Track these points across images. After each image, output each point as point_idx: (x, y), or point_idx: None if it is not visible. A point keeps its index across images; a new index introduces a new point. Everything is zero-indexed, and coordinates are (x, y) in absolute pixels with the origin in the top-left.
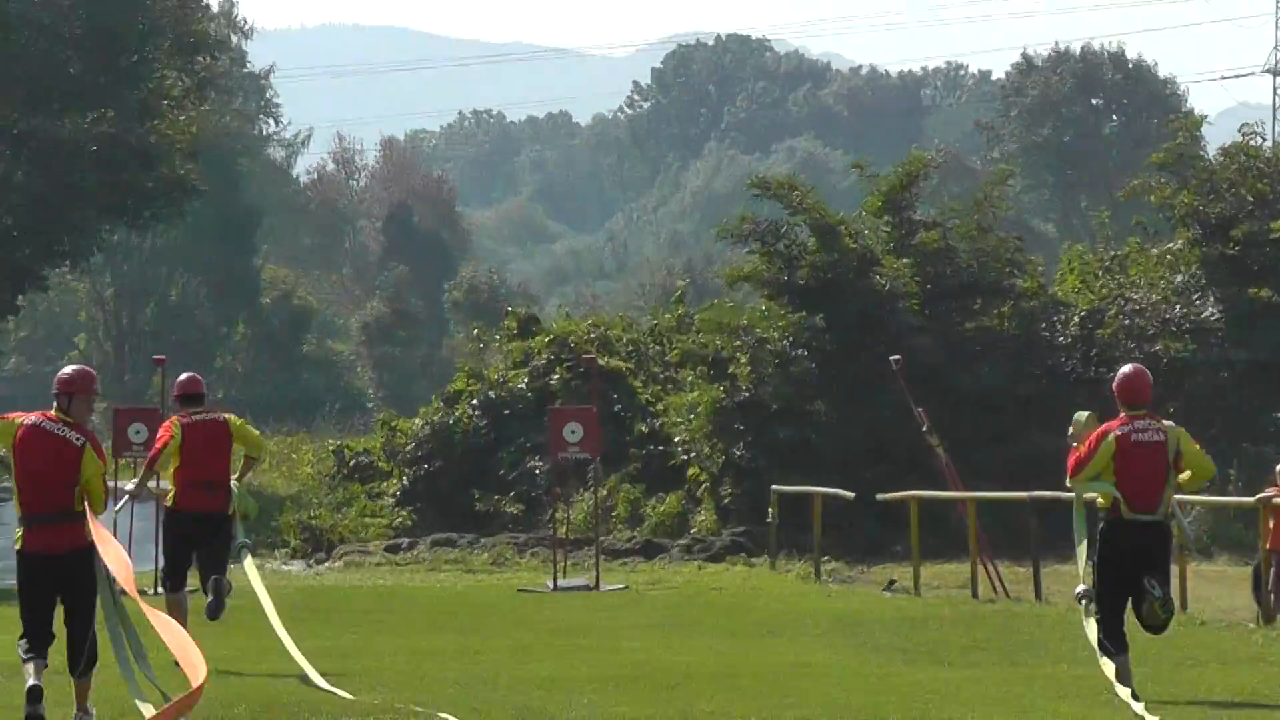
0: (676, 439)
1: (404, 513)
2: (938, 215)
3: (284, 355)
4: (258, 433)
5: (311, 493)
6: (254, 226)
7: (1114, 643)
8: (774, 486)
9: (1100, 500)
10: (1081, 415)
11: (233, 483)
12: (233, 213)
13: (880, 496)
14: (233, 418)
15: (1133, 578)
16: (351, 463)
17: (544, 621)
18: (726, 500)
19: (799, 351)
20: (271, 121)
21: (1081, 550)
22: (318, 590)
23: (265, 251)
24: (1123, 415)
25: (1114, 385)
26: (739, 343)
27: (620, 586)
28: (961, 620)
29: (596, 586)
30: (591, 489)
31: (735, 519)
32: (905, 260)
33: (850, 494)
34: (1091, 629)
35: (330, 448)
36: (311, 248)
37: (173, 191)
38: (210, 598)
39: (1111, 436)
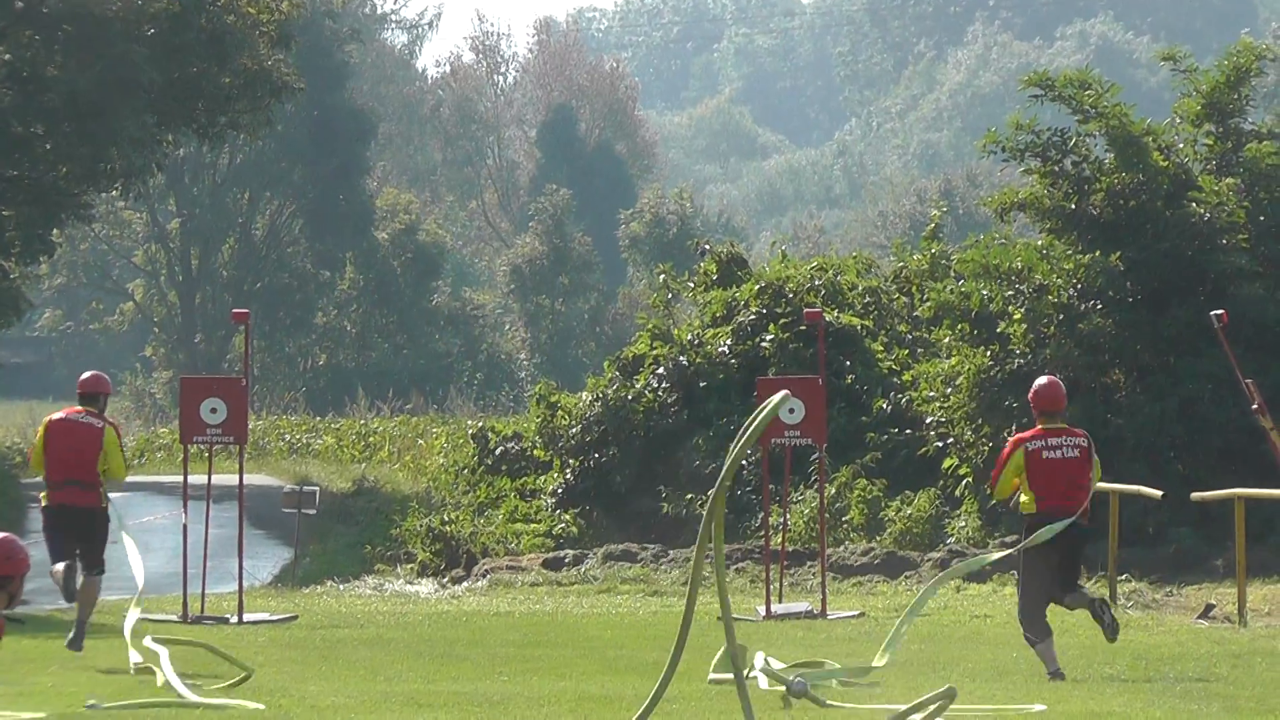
0: (929, 420)
1: (567, 517)
2: (1275, 123)
3: (407, 309)
4: (122, 459)
5: (445, 490)
6: (366, 137)
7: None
8: None
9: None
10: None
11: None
12: (337, 119)
13: (1196, 496)
14: (111, 431)
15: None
16: (498, 451)
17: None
18: (994, 501)
19: (1090, 304)
20: None
21: None
22: (455, 618)
23: (381, 170)
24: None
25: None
26: (1012, 292)
27: (854, 613)
28: None
29: (823, 613)
30: (816, 486)
31: (1006, 525)
32: (1231, 182)
33: (1157, 492)
34: None
35: (469, 431)
36: (443, 165)
37: (256, 90)
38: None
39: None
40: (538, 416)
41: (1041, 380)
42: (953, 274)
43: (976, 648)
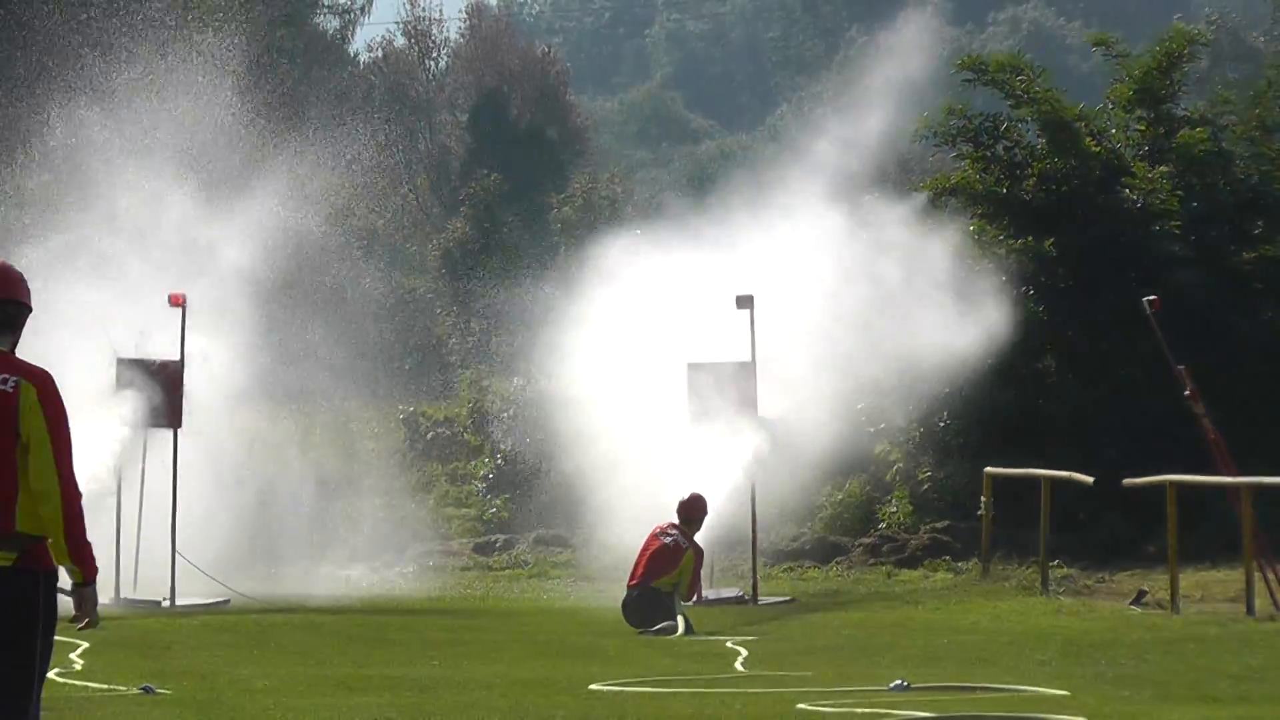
0: (859, 405)
1: (498, 501)
2: (1207, 109)
3: (336, 293)
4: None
5: (375, 475)
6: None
7: None
8: (988, 469)
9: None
10: None
11: None
12: None
13: (1128, 482)
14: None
15: None
16: (429, 436)
17: (683, 644)
18: (925, 486)
19: (1022, 289)
20: None
21: None
22: (386, 602)
23: (313, 156)
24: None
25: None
26: (942, 277)
27: (784, 599)
28: (1232, 642)
29: (754, 599)
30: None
31: (936, 511)
32: (1163, 168)
33: (1088, 478)
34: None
35: (400, 416)
36: (374, 149)
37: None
38: None
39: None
40: (469, 401)
41: (684, 496)
42: None
43: (908, 634)
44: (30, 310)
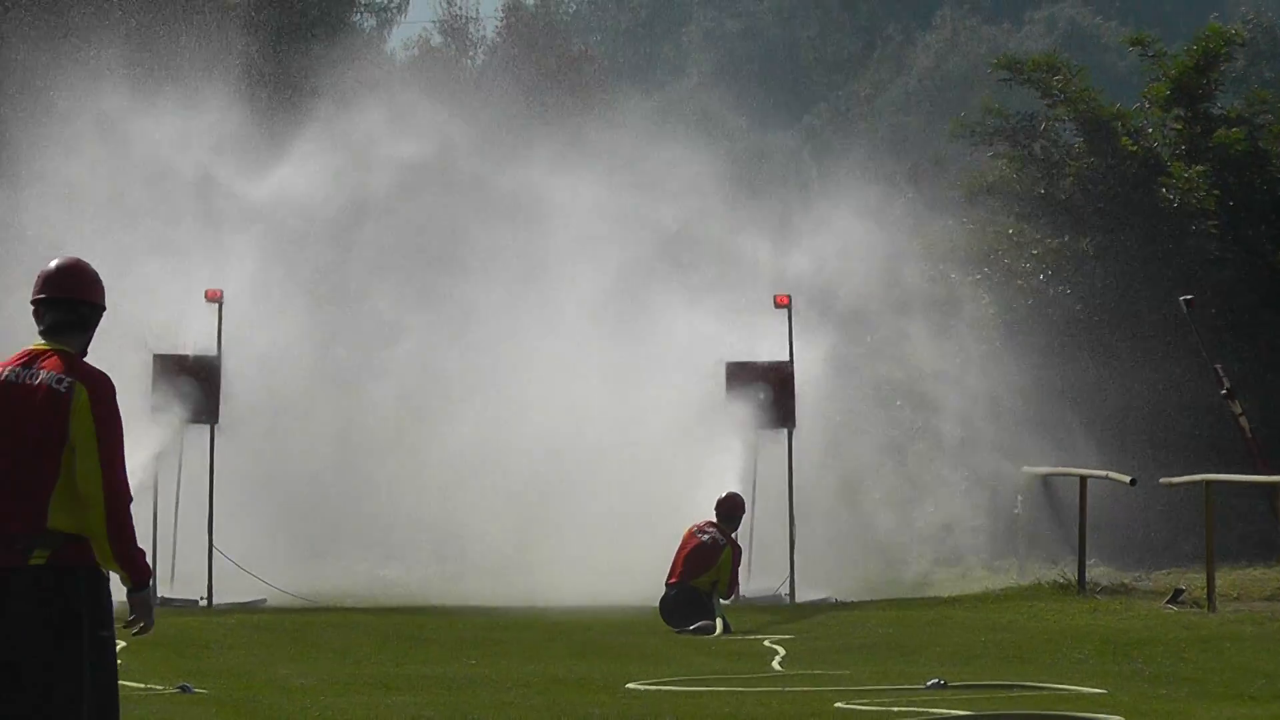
0: (896, 403)
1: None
2: (1244, 109)
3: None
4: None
5: (414, 472)
6: None
7: None
8: (1025, 467)
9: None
10: None
11: None
12: None
13: (1165, 480)
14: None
15: None
16: None
17: (720, 643)
18: (962, 485)
19: (1060, 288)
20: None
21: None
22: (422, 601)
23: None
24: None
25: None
26: (979, 276)
27: (823, 597)
28: (1269, 642)
29: (791, 597)
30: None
31: (973, 509)
32: (1200, 168)
33: (1126, 477)
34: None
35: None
36: None
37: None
38: None
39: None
40: None
41: (722, 494)
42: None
43: (944, 632)
44: (104, 309)
